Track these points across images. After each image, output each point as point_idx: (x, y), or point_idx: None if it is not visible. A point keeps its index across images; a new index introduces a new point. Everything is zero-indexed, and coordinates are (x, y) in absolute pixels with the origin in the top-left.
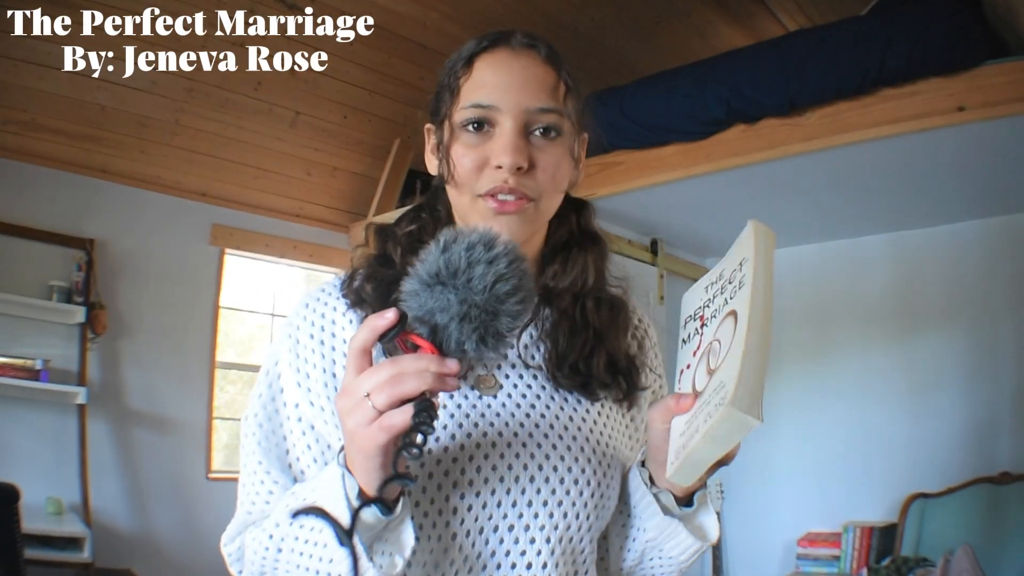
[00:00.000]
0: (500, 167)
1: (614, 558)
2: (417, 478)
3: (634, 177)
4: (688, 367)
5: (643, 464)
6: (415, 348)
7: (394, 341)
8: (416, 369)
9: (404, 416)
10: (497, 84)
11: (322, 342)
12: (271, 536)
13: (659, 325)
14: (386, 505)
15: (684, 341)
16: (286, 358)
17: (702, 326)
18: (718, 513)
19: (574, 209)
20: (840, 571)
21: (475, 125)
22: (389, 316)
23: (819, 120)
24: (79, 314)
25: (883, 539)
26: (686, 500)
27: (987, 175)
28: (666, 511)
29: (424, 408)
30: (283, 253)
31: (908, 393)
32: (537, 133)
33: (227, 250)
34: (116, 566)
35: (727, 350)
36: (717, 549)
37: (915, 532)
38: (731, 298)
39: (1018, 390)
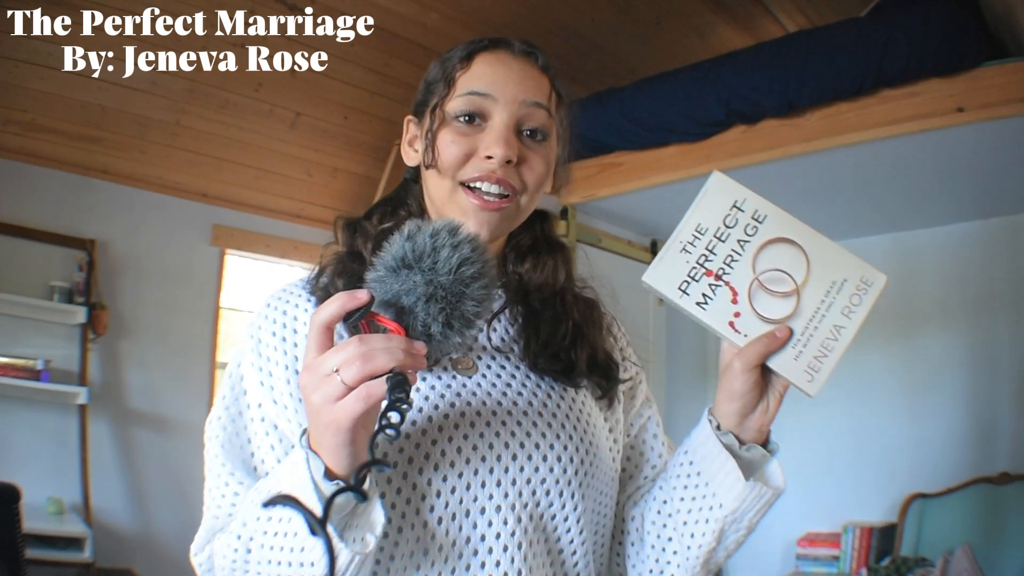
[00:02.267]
0: (490, 157)
1: (686, 553)
2: (396, 464)
3: (634, 178)
4: (737, 315)
5: (718, 428)
6: (380, 332)
7: (359, 323)
8: (386, 347)
9: (381, 387)
10: (495, 77)
11: (284, 339)
12: (239, 536)
13: (659, 327)
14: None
15: (703, 305)
16: (249, 358)
17: (718, 279)
18: None
19: (537, 217)
20: (840, 571)
21: (467, 117)
22: (361, 296)
23: (819, 121)
24: (80, 314)
25: (882, 539)
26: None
27: (986, 176)
28: (747, 474)
29: (399, 383)
30: (284, 254)
31: (907, 393)
32: (527, 134)
33: (228, 250)
34: (117, 566)
35: (811, 259)
36: None
37: (914, 532)
38: (752, 232)
39: (1017, 390)
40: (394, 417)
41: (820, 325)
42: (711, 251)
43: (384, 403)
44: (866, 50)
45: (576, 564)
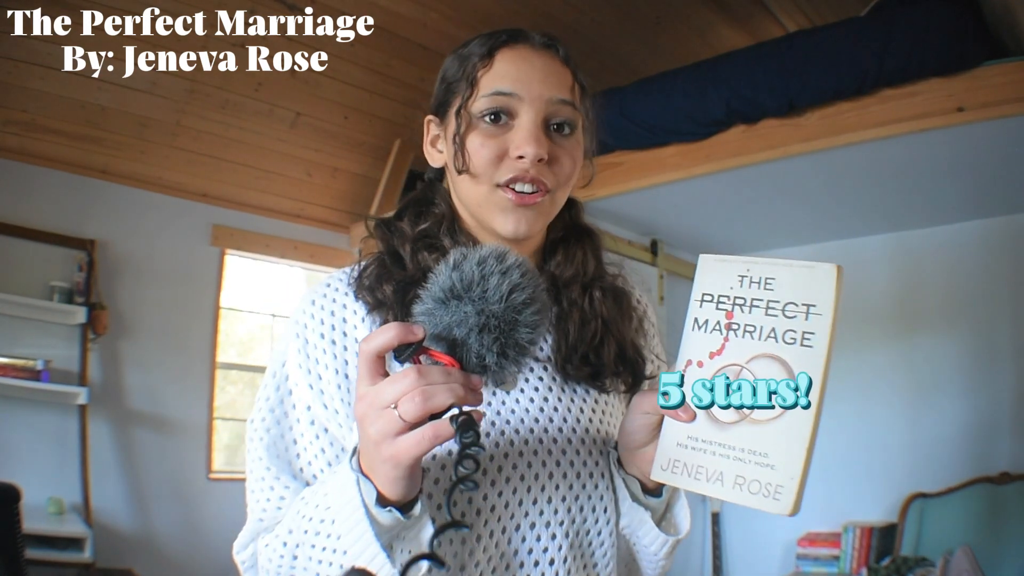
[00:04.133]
0: (522, 157)
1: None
2: (472, 524)
3: (634, 177)
4: (700, 365)
5: (614, 447)
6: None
7: (411, 359)
8: (445, 381)
9: (448, 429)
10: (519, 74)
11: (333, 342)
12: (285, 543)
13: (659, 326)
14: (406, 507)
15: (698, 324)
16: (295, 359)
17: (727, 327)
18: (716, 514)
19: (566, 206)
20: (840, 571)
21: (493, 116)
22: (417, 332)
23: (818, 121)
24: (80, 314)
25: (883, 539)
26: (655, 491)
27: (986, 175)
28: (633, 498)
29: (467, 424)
30: (284, 254)
31: (908, 393)
32: (554, 128)
33: (228, 251)
34: (117, 566)
35: (779, 423)
36: (717, 549)
37: (915, 532)
38: (790, 341)
39: (1017, 390)
40: (470, 466)
41: (716, 458)
42: (752, 306)
43: (452, 444)
44: (866, 50)
45: None
